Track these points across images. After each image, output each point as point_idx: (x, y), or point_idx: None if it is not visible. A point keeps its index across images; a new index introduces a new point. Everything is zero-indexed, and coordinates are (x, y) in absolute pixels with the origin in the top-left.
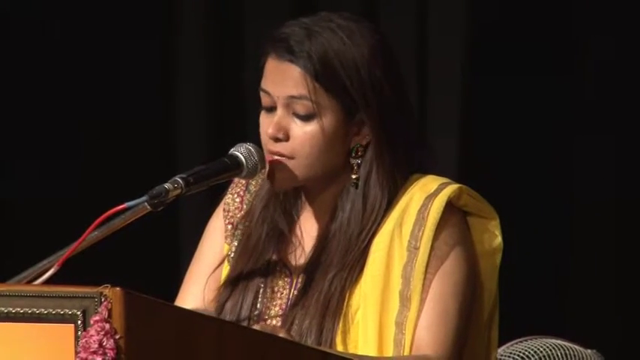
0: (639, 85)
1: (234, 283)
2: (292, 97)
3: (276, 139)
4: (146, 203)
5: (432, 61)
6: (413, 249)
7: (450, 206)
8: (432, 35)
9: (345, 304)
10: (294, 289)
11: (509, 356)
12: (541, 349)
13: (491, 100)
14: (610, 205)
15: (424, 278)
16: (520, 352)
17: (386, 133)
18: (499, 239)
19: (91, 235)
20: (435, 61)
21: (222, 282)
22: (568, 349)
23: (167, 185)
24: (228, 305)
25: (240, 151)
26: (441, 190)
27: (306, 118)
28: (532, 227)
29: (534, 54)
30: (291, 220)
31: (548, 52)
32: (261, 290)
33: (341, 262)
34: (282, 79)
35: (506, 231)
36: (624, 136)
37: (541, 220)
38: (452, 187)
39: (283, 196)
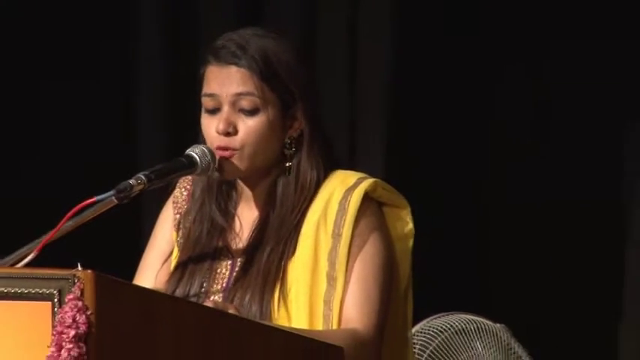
0: (577, 92)
1: (182, 268)
2: (239, 94)
3: (227, 134)
4: (113, 197)
5: (360, 79)
6: (336, 236)
7: (366, 198)
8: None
9: (281, 279)
10: (236, 268)
11: (428, 330)
12: (456, 323)
13: (414, 102)
14: (520, 193)
15: (347, 261)
16: (438, 326)
17: (315, 124)
18: (410, 225)
19: (66, 225)
20: (362, 80)
21: (172, 267)
22: (480, 323)
23: (131, 181)
24: (179, 288)
25: (195, 152)
26: (359, 184)
27: (251, 112)
28: (450, 216)
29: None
30: (228, 213)
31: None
32: (206, 272)
33: (276, 237)
34: (229, 81)
35: (428, 219)
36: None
37: (458, 210)
38: (368, 182)
39: (217, 194)
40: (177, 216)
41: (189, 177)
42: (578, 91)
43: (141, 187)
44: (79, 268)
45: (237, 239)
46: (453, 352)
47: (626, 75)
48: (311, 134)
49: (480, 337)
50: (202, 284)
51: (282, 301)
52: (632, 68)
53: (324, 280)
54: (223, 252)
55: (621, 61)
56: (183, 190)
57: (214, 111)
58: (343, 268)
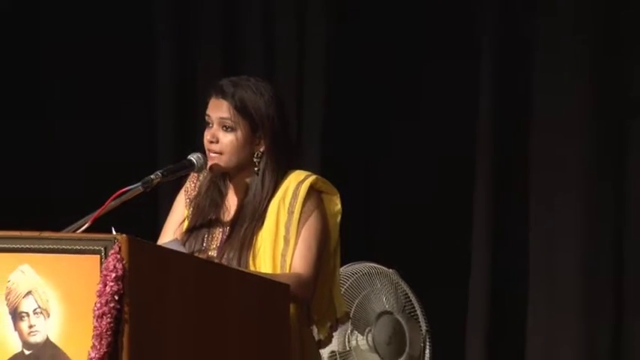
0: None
1: (190, 232)
2: (222, 118)
3: (212, 142)
4: (140, 187)
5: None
6: (290, 212)
7: (311, 188)
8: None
9: (254, 243)
10: (224, 235)
11: (344, 274)
12: (363, 269)
13: (344, 117)
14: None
15: (297, 229)
16: (351, 270)
17: (274, 145)
18: (339, 207)
19: (110, 205)
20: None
21: (183, 232)
22: (378, 269)
23: (152, 176)
24: (187, 245)
25: (193, 157)
26: (306, 179)
27: (228, 130)
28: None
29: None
30: (221, 196)
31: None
32: (205, 236)
33: (251, 217)
34: (218, 108)
35: (352, 199)
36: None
37: (368, 187)
38: (312, 177)
39: (213, 188)
40: (187, 200)
41: (196, 175)
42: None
43: (158, 180)
44: (118, 233)
45: (226, 216)
46: (361, 288)
47: None
48: (270, 151)
49: (379, 278)
50: (202, 244)
51: (253, 257)
52: None
53: (282, 241)
54: (217, 224)
55: None
56: (191, 183)
57: (209, 126)
58: (294, 233)
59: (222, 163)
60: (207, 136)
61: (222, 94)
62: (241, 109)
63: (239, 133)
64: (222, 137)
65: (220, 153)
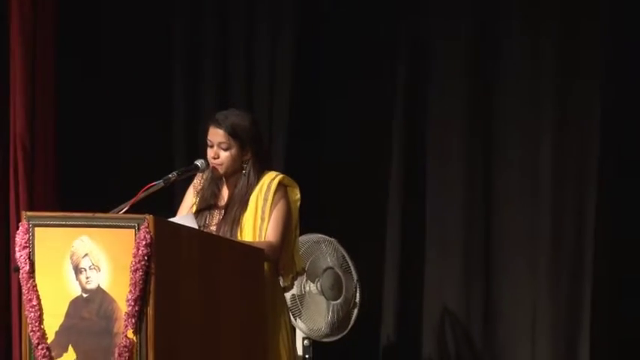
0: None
1: (197, 214)
2: (220, 142)
3: (214, 158)
4: (162, 182)
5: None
6: (265, 200)
7: (280, 183)
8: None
9: (240, 221)
10: (220, 215)
11: (300, 242)
12: (313, 238)
13: (308, 127)
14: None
15: (270, 211)
16: (305, 240)
17: (255, 155)
18: (298, 196)
19: (141, 195)
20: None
21: (192, 213)
22: (324, 238)
23: (170, 175)
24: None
25: (200, 161)
26: (276, 177)
27: (225, 149)
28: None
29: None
30: (218, 189)
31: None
32: (207, 216)
33: (239, 204)
34: (216, 135)
35: (312, 190)
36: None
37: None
38: (280, 176)
39: (214, 181)
40: (195, 192)
41: (201, 174)
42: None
43: (174, 178)
44: (147, 214)
45: (221, 203)
46: (312, 251)
47: None
48: (253, 159)
49: (325, 244)
50: (205, 222)
51: (240, 231)
52: None
53: (259, 219)
54: (215, 208)
55: None
56: (198, 179)
57: (211, 146)
58: (268, 214)
59: (222, 170)
60: (211, 153)
61: (219, 125)
62: (233, 133)
63: (233, 150)
64: (221, 154)
65: (221, 164)
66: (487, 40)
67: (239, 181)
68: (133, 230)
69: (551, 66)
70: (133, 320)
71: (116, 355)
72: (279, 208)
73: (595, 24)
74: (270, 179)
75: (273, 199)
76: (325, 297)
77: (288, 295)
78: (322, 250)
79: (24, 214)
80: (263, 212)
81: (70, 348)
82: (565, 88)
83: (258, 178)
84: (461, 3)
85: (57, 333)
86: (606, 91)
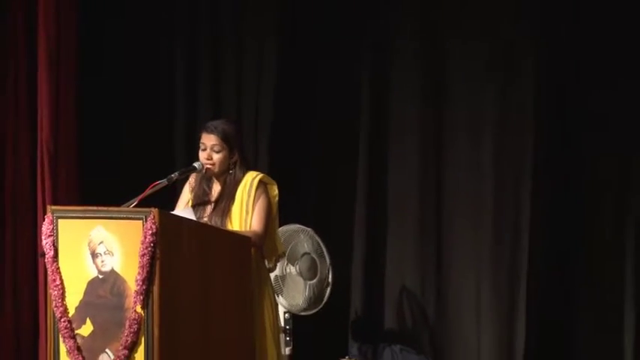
0: None
1: (193, 208)
2: (213, 145)
3: (208, 159)
4: (166, 181)
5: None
6: (249, 195)
7: (260, 181)
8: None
9: (229, 213)
10: (212, 209)
11: (282, 231)
12: (293, 227)
13: (284, 130)
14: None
15: (253, 205)
16: (285, 229)
17: (241, 157)
18: (276, 192)
19: (149, 192)
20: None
21: (189, 207)
22: (302, 227)
23: (172, 175)
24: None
25: (196, 164)
26: (257, 176)
27: (217, 152)
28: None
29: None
30: (210, 187)
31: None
32: (201, 210)
33: (227, 198)
34: (209, 139)
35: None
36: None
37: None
38: (261, 175)
39: (207, 180)
40: (191, 189)
41: (196, 174)
42: None
43: (176, 177)
44: (153, 207)
45: (213, 198)
46: (292, 239)
47: None
48: (239, 161)
49: (303, 233)
50: (199, 215)
51: (229, 221)
52: None
53: (245, 212)
54: (207, 203)
55: None
56: (193, 178)
57: (204, 149)
58: (252, 207)
59: (214, 170)
60: (205, 155)
61: (212, 131)
62: (224, 138)
63: (223, 153)
64: (214, 156)
65: (213, 164)
66: (437, 42)
67: (227, 179)
68: (141, 221)
69: (492, 67)
70: (141, 297)
71: (127, 326)
72: (261, 202)
73: (531, 29)
74: (252, 177)
75: (255, 195)
76: (303, 278)
77: (272, 276)
78: (300, 238)
79: (49, 207)
80: (247, 206)
81: (88, 321)
82: (502, 88)
83: (243, 176)
84: (414, 9)
85: (77, 308)
86: (540, 91)
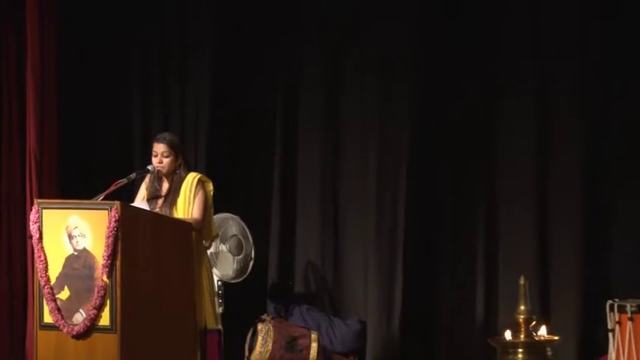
0: None
1: (147, 201)
2: (163, 151)
3: (159, 163)
4: (126, 180)
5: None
6: (190, 191)
7: (199, 179)
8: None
9: (175, 204)
10: (162, 201)
11: (216, 218)
12: (225, 216)
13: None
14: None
15: (194, 197)
16: (218, 217)
17: (184, 161)
18: (211, 187)
19: (113, 189)
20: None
21: (144, 201)
22: (233, 216)
23: (131, 175)
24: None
25: (150, 167)
26: (197, 175)
27: (166, 157)
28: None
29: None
30: (160, 184)
31: None
32: (153, 202)
33: (174, 193)
34: (160, 147)
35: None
36: None
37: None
38: (200, 175)
39: (158, 179)
40: (145, 186)
41: (149, 174)
42: None
43: (134, 177)
44: (116, 200)
45: (163, 193)
46: (223, 225)
47: None
48: (183, 163)
49: (232, 220)
50: (152, 207)
51: (176, 211)
52: None
53: (187, 203)
54: (158, 197)
55: None
56: (148, 178)
57: (155, 156)
58: (192, 199)
59: (164, 171)
60: (156, 160)
61: (161, 141)
62: (171, 146)
63: (171, 157)
64: (164, 160)
65: (163, 167)
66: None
67: (174, 178)
68: (107, 211)
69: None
70: (107, 270)
71: (96, 292)
72: (200, 195)
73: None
74: (193, 177)
75: (195, 190)
76: (232, 254)
77: (208, 253)
78: (230, 224)
79: (35, 200)
80: (189, 199)
81: (66, 287)
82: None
83: (186, 176)
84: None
85: (57, 278)
86: (418, 93)
